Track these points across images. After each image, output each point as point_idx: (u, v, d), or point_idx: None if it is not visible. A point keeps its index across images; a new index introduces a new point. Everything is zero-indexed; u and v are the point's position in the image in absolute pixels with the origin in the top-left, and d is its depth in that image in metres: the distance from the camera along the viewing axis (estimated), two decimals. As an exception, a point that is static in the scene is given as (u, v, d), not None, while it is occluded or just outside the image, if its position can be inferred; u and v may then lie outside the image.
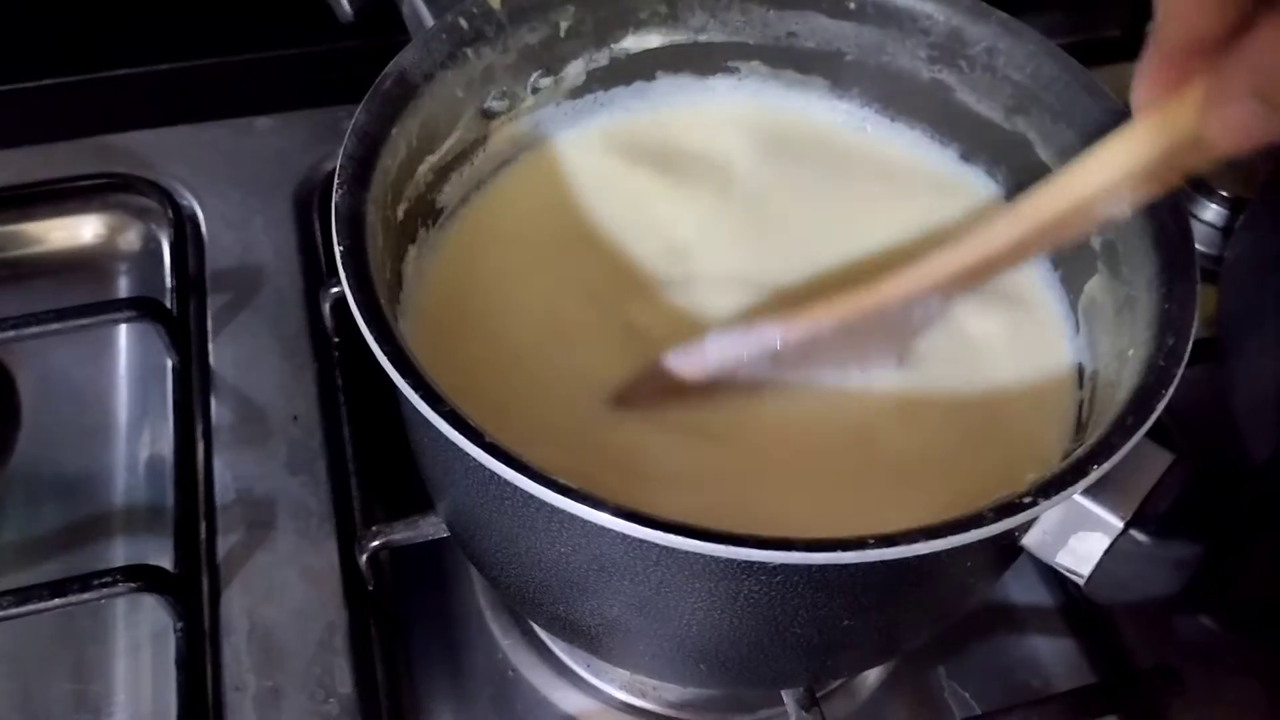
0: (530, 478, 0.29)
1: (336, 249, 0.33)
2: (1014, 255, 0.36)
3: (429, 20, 0.42)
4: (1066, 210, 0.34)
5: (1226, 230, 0.60)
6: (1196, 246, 0.57)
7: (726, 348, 0.38)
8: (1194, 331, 0.33)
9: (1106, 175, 0.32)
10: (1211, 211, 0.61)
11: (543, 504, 0.29)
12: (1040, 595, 0.50)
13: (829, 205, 0.45)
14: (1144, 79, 0.30)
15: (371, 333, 0.31)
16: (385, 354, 0.31)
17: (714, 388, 0.38)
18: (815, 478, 0.37)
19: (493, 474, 0.30)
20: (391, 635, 0.46)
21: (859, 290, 0.37)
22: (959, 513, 0.30)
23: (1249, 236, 0.51)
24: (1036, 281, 0.43)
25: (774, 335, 0.37)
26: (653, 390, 0.38)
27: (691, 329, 0.40)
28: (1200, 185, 0.61)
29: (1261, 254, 0.49)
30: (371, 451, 0.50)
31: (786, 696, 0.41)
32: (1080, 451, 0.31)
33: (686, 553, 0.29)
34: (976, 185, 0.46)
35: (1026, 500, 0.30)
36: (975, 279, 0.37)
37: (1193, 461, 0.32)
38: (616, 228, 0.44)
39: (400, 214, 0.39)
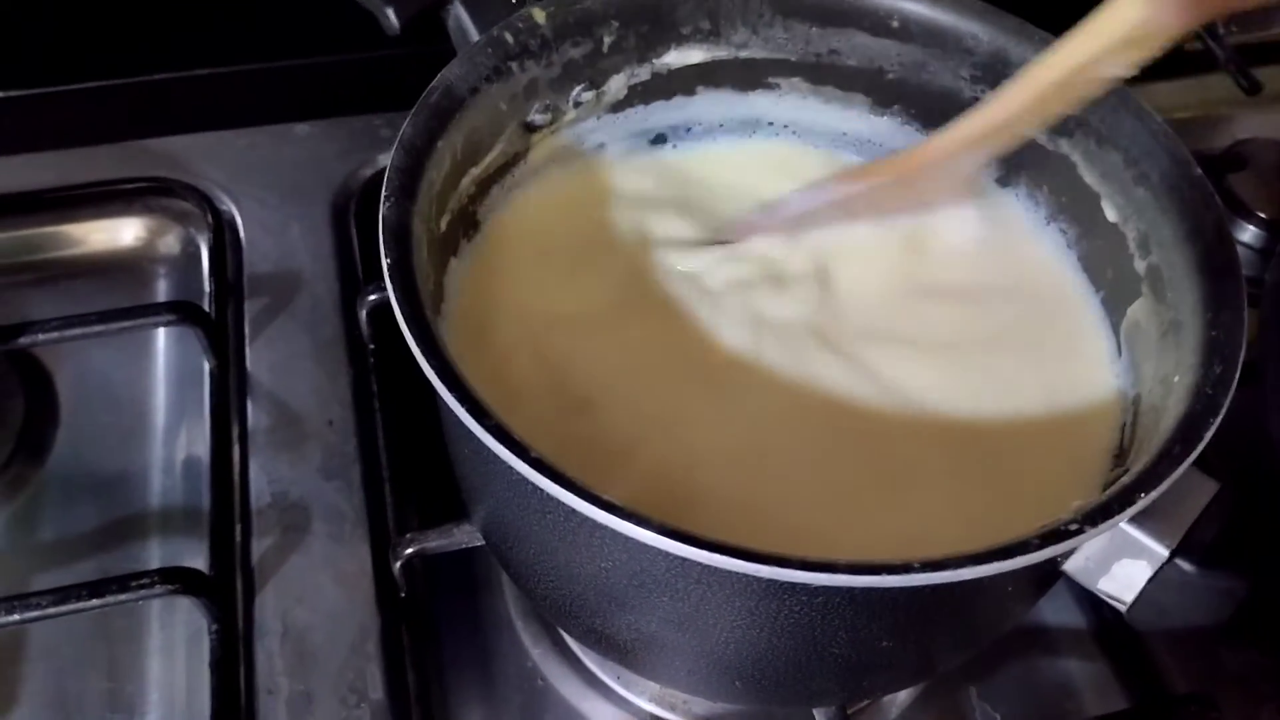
0: (576, 494, 0.29)
1: (384, 261, 0.34)
2: (1031, 114, 0.40)
3: (474, 34, 0.42)
4: (1069, 72, 0.38)
5: (1265, 252, 0.59)
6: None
7: (804, 199, 0.44)
8: (1241, 360, 0.33)
9: (1101, 42, 0.37)
10: (1250, 233, 0.60)
11: (585, 519, 0.29)
12: (1074, 617, 0.50)
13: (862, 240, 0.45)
14: None
15: (420, 348, 0.31)
16: (432, 367, 0.31)
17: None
18: (856, 495, 0.37)
19: (535, 487, 0.30)
20: (423, 642, 0.47)
21: (906, 154, 0.44)
22: (1000, 537, 0.30)
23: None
24: (1079, 304, 0.43)
25: (843, 189, 0.44)
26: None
27: (733, 347, 0.40)
28: (1239, 207, 0.60)
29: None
30: (405, 458, 0.51)
31: (819, 715, 0.41)
32: (1127, 479, 0.31)
33: (729, 571, 0.29)
34: (1017, 207, 0.46)
35: (1073, 528, 0.29)
36: (1002, 136, 0.42)
37: (1241, 491, 0.32)
38: (643, 240, 0.44)
39: (443, 225, 0.40)
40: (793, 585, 0.30)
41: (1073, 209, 0.43)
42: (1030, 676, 0.48)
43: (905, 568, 0.28)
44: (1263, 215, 0.60)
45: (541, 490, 0.30)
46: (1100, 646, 0.49)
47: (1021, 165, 0.45)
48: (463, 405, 0.30)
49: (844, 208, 0.44)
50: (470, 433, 0.30)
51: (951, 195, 0.45)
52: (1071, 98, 0.40)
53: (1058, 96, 0.39)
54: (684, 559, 0.29)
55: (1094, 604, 0.50)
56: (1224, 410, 0.32)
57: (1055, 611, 0.50)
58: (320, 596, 0.46)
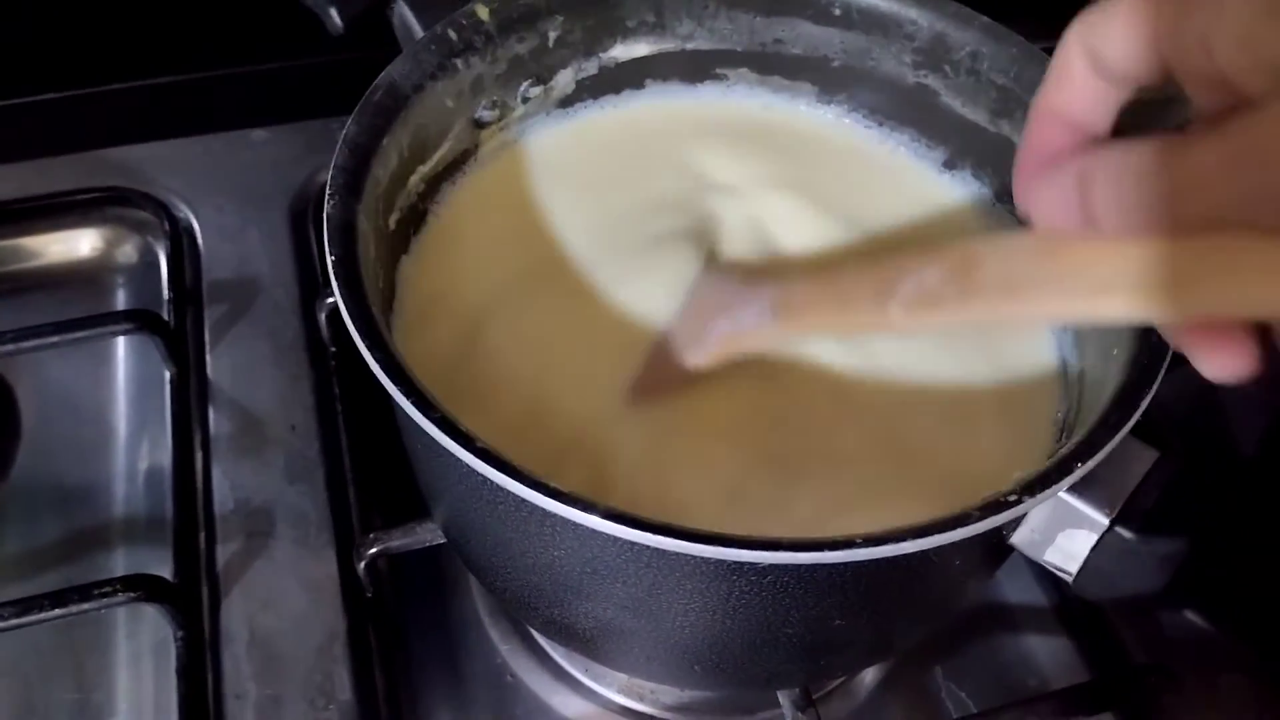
0: (520, 481, 0.29)
1: (329, 258, 0.34)
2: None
3: (419, 31, 0.42)
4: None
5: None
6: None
7: (731, 322, 0.37)
8: (1177, 329, 0.34)
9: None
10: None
11: (534, 508, 0.29)
12: (1035, 595, 0.50)
13: (811, 194, 0.45)
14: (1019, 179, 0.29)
15: (363, 340, 0.32)
16: (377, 361, 0.31)
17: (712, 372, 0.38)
18: (800, 472, 0.37)
19: (484, 478, 0.30)
20: (391, 642, 0.47)
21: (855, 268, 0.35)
22: (945, 511, 0.30)
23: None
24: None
25: (774, 299, 0.36)
26: (660, 380, 0.39)
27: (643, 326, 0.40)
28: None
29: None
30: (369, 460, 0.51)
31: (782, 697, 0.42)
32: (1065, 449, 0.31)
33: (676, 554, 0.29)
34: (963, 189, 0.46)
35: (1012, 498, 0.30)
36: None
37: (1179, 458, 0.33)
38: (597, 220, 0.44)
39: (392, 223, 0.40)
40: (740, 565, 0.30)
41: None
42: (994, 654, 0.49)
43: (847, 543, 0.28)
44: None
45: (491, 481, 0.30)
46: (1061, 622, 0.50)
47: (967, 148, 0.45)
48: (408, 398, 0.30)
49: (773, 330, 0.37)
50: (420, 426, 0.31)
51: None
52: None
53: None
54: (631, 543, 0.29)
55: (1054, 581, 0.50)
56: (1159, 379, 0.32)
57: (1016, 590, 0.51)
58: (286, 600, 0.46)
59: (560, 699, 0.47)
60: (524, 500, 0.29)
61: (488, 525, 0.34)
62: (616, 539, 0.29)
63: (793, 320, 0.36)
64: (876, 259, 0.33)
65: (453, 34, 0.41)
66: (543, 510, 0.29)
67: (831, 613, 0.33)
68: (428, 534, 0.45)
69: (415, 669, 0.47)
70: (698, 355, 0.38)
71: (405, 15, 0.42)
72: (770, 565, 0.30)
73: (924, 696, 0.48)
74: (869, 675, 0.48)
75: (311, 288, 0.56)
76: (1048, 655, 0.49)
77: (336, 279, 0.33)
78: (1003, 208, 0.45)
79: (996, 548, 0.35)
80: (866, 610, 0.34)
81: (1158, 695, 0.44)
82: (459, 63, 0.41)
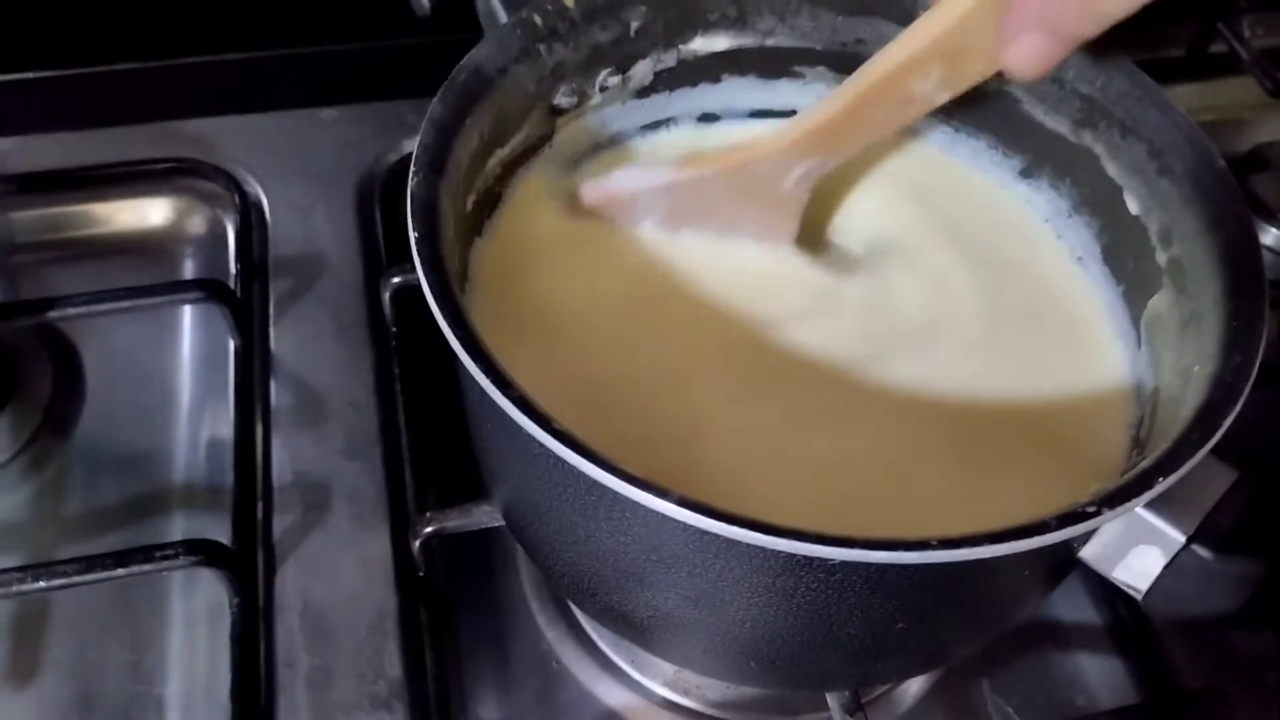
0: (596, 464, 0.29)
1: (411, 235, 0.34)
2: (853, 124, 0.40)
3: (503, 16, 0.43)
4: (881, 81, 0.38)
5: (1288, 254, 0.59)
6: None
7: (630, 179, 0.43)
8: (1261, 351, 0.33)
9: (906, 51, 0.37)
10: (1272, 236, 0.60)
11: (605, 491, 0.30)
12: (1088, 613, 0.50)
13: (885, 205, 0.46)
14: None
15: (445, 320, 0.32)
16: (458, 340, 0.31)
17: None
18: (873, 481, 0.37)
19: (557, 460, 0.30)
20: (440, 621, 0.47)
21: (733, 150, 0.42)
22: (1016, 521, 0.30)
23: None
24: (1095, 297, 0.43)
25: (667, 176, 0.43)
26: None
27: (752, 320, 0.41)
28: (1261, 209, 0.60)
29: (1325, 277, 0.48)
30: (426, 441, 0.51)
31: (831, 699, 0.41)
32: (1146, 464, 0.31)
33: (748, 546, 0.29)
34: (1040, 199, 0.46)
35: (1090, 509, 0.29)
36: (826, 144, 0.41)
37: (1258, 478, 0.32)
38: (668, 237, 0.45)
39: (469, 205, 0.40)
40: (810, 561, 0.30)
41: (1095, 201, 0.43)
42: (1043, 671, 0.49)
43: (922, 544, 0.28)
44: (1286, 217, 0.60)
45: (563, 463, 0.30)
46: (1114, 642, 0.49)
47: (1045, 157, 0.45)
48: (488, 376, 0.30)
49: (671, 197, 0.43)
50: (493, 406, 0.31)
51: (771, 208, 0.43)
52: (894, 115, 0.40)
53: (877, 109, 0.39)
54: (703, 532, 0.29)
55: (1108, 600, 0.50)
56: (1243, 398, 0.32)
57: (1069, 607, 0.50)
58: (340, 574, 0.46)
59: (604, 688, 0.47)
60: (596, 483, 0.29)
61: (554, 508, 0.35)
62: (687, 527, 0.29)
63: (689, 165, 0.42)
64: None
65: (538, 19, 0.41)
66: (614, 494, 0.29)
67: (895, 615, 0.33)
68: (484, 516, 0.45)
69: (463, 650, 0.47)
70: (791, 204, 0.43)
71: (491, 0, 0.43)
72: (841, 563, 0.30)
73: (969, 709, 0.47)
74: (915, 684, 0.47)
75: (375, 267, 0.56)
76: (1098, 675, 0.48)
77: (419, 256, 0.33)
78: (1079, 220, 0.45)
79: (1065, 560, 0.34)
80: (930, 615, 0.34)
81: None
82: (542, 48, 0.41)
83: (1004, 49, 0.34)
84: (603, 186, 0.43)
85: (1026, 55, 0.33)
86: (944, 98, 0.39)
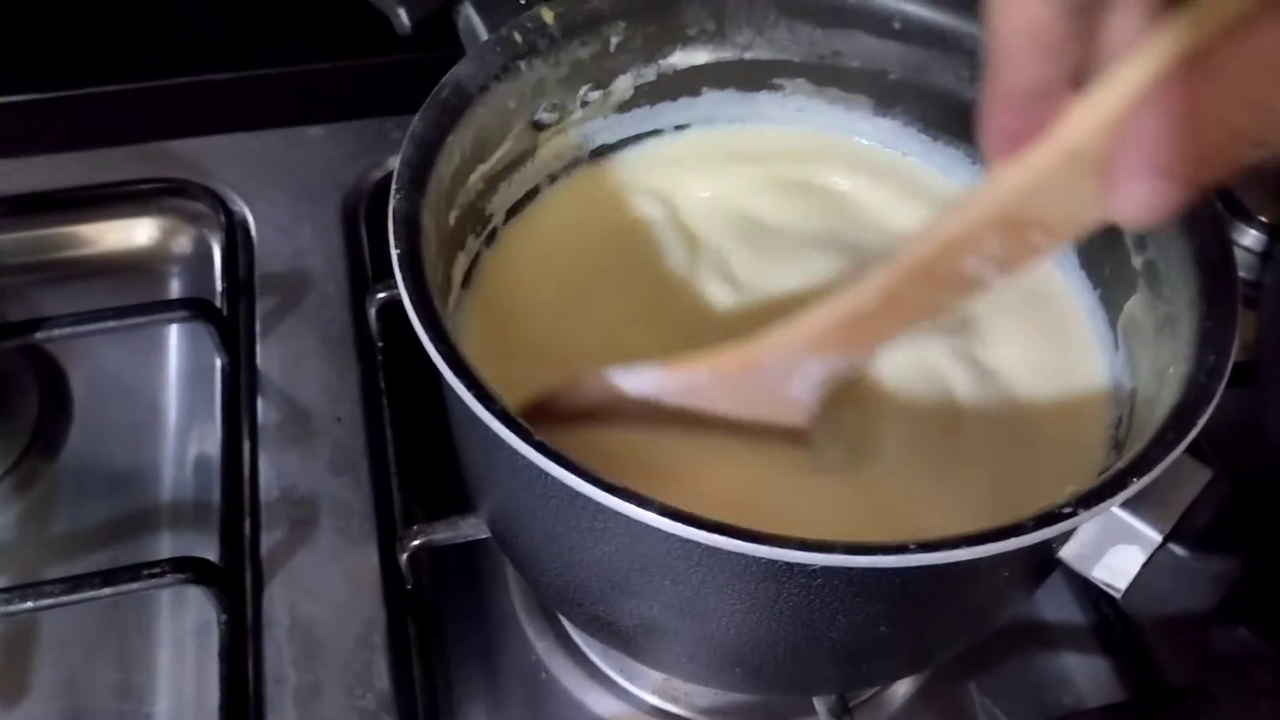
0: (577, 475, 0.29)
1: (393, 252, 0.34)
2: (879, 319, 0.34)
3: (484, 33, 0.43)
4: (928, 260, 0.31)
5: (1265, 255, 0.60)
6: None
7: (601, 386, 0.37)
8: (1235, 349, 0.34)
9: (966, 220, 0.30)
10: (1250, 237, 0.61)
11: (589, 501, 0.30)
12: (1073, 613, 0.50)
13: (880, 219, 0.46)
14: (989, 130, 0.28)
15: (426, 332, 0.32)
16: (439, 352, 0.32)
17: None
18: (852, 484, 0.38)
19: (540, 472, 0.30)
20: (429, 634, 0.47)
21: (731, 349, 0.36)
22: (996, 523, 0.30)
23: (1288, 261, 0.51)
24: (1073, 300, 0.44)
25: (647, 381, 0.37)
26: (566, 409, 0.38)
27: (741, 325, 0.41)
28: (1239, 211, 0.61)
29: (1300, 279, 0.49)
30: (412, 454, 0.51)
31: (819, 704, 0.42)
32: (1121, 464, 0.31)
33: (729, 553, 0.29)
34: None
35: (1066, 510, 0.30)
36: (849, 340, 0.35)
37: (1232, 477, 0.33)
38: (659, 242, 0.45)
39: (452, 220, 0.40)
40: (791, 567, 0.30)
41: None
42: (1030, 671, 0.49)
43: (901, 548, 0.28)
44: (1263, 219, 0.61)
45: (546, 474, 0.30)
46: (1099, 641, 0.49)
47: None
48: (469, 390, 0.31)
49: (655, 403, 0.37)
50: (476, 419, 0.31)
51: (775, 415, 0.37)
52: (931, 302, 0.33)
53: (914, 295, 0.32)
54: (685, 540, 0.29)
55: (1093, 599, 0.50)
56: (1217, 398, 0.32)
57: (1054, 607, 0.50)
58: (328, 589, 0.47)
59: (594, 698, 0.47)
60: (579, 494, 0.30)
61: (538, 519, 0.35)
62: (669, 536, 0.29)
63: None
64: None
65: (518, 36, 0.42)
66: (597, 504, 0.30)
67: (877, 619, 0.33)
68: (470, 528, 0.45)
69: (452, 662, 0.47)
70: (799, 413, 0.36)
71: (471, 17, 0.43)
72: (821, 568, 0.30)
73: (957, 711, 0.48)
74: (903, 687, 0.48)
75: (361, 283, 0.56)
76: (1084, 674, 0.49)
77: (400, 273, 0.34)
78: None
79: (1045, 561, 0.35)
80: (912, 618, 0.34)
81: (1196, 717, 0.44)
82: (522, 65, 0.42)
83: (1112, 196, 0.26)
84: (577, 391, 0.38)
85: (1138, 203, 0.25)
86: (991, 280, 0.31)
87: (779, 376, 0.36)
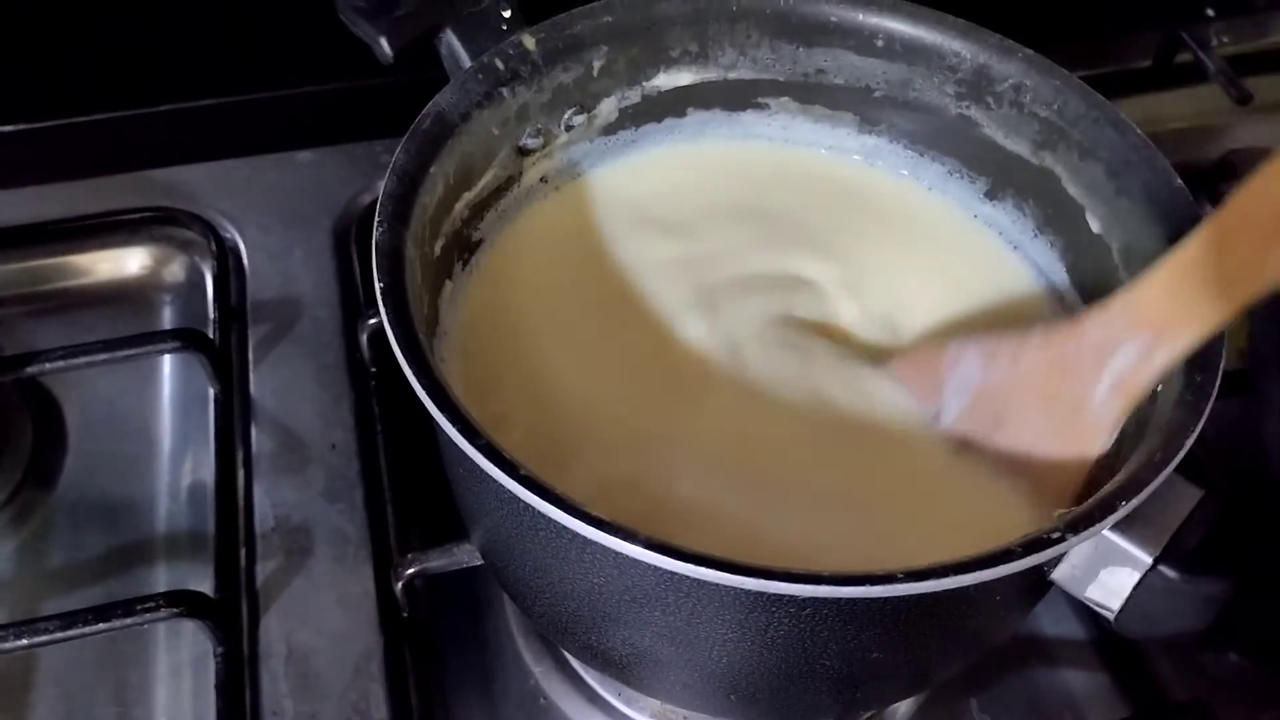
0: (564, 510, 0.29)
1: (377, 286, 0.34)
2: (1227, 278, 0.32)
3: (466, 61, 0.43)
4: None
5: (1259, 261, 0.59)
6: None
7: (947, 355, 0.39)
8: (1222, 368, 0.34)
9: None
10: (1243, 243, 0.61)
11: (575, 535, 0.30)
12: (1073, 628, 0.50)
13: (855, 244, 0.46)
14: None
15: (411, 368, 0.32)
16: (424, 388, 0.31)
17: None
18: (844, 508, 0.38)
19: (527, 505, 0.30)
20: (426, 661, 0.47)
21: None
22: (988, 546, 0.30)
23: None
24: (1062, 318, 0.43)
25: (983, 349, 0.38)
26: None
27: (720, 362, 0.41)
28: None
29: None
30: (407, 480, 0.51)
31: (816, 728, 0.41)
32: (1109, 487, 0.31)
33: (717, 585, 0.29)
34: (1005, 220, 0.46)
35: (1054, 535, 0.30)
36: (1191, 315, 0.33)
37: (1223, 497, 0.33)
38: (645, 262, 0.45)
39: (437, 250, 0.40)
40: (780, 598, 0.30)
41: (1058, 222, 0.44)
42: (1030, 687, 0.49)
43: (889, 578, 0.28)
44: (1256, 226, 0.60)
45: (533, 508, 0.30)
46: (1100, 656, 0.49)
47: (1008, 180, 0.46)
48: (454, 425, 0.31)
49: (982, 375, 0.38)
50: (463, 452, 0.31)
51: (1073, 421, 0.36)
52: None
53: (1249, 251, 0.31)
54: (672, 573, 0.29)
55: (1092, 615, 0.50)
56: (1204, 418, 0.32)
57: (1054, 622, 0.50)
58: (324, 618, 0.46)
59: (592, 723, 0.47)
60: (565, 528, 0.30)
61: (528, 551, 0.35)
62: (656, 568, 0.29)
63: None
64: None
65: (499, 63, 0.42)
66: (584, 538, 0.30)
67: (869, 646, 0.33)
68: (465, 555, 0.45)
69: (449, 689, 0.47)
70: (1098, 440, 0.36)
71: (453, 44, 0.43)
72: (810, 598, 0.30)
73: (958, 728, 0.47)
74: (903, 706, 0.47)
75: (354, 308, 0.56)
76: (1085, 690, 0.48)
77: (385, 307, 0.34)
78: (1043, 240, 0.45)
79: (1037, 584, 0.34)
80: (904, 644, 0.34)
81: (1198, 733, 0.44)
82: (505, 91, 0.42)
83: None
84: (923, 354, 0.40)
85: None
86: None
87: (1092, 363, 0.35)
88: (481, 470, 0.31)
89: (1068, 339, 0.36)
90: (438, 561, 0.45)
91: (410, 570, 0.45)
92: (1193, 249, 0.33)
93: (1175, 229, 0.38)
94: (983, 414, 0.38)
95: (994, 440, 0.38)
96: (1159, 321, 0.34)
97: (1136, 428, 0.36)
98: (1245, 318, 0.49)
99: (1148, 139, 0.40)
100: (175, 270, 0.60)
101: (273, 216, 0.60)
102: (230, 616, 0.46)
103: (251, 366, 0.54)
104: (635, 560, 0.29)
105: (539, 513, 0.30)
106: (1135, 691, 0.48)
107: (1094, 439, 0.36)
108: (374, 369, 0.54)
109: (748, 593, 0.30)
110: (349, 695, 0.44)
